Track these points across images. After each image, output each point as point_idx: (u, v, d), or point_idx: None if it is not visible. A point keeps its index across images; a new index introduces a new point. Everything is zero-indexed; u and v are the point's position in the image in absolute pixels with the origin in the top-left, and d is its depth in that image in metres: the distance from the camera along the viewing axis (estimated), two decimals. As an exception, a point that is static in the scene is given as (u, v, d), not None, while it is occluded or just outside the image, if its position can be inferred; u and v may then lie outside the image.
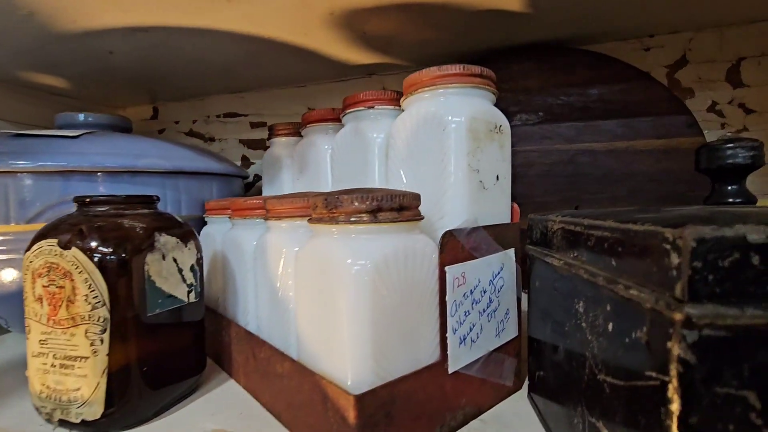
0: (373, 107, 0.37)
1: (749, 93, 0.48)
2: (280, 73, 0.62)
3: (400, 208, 0.25)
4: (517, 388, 0.34)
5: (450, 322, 0.28)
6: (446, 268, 0.27)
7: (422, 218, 0.27)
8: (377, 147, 0.36)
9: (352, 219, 0.24)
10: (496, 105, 0.33)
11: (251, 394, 0.35)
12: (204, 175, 0.47)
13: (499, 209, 0.33)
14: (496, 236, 0.31)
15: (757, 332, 0.13)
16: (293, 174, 0.46)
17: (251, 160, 0.70)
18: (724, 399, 0.13)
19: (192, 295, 0.34)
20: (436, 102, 0.31)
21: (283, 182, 0.49)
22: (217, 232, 0.42)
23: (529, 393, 0.33)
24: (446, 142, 0.29)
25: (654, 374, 0.15)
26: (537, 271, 0.30)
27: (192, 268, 0.34)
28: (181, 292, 0.33)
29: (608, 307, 0.19)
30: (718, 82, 0.49)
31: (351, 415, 0.23)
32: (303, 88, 0.66)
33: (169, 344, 0.33)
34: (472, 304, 0.30)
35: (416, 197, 0.27)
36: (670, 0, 0.42)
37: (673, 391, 0.14)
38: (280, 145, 0.50)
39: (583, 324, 0.22)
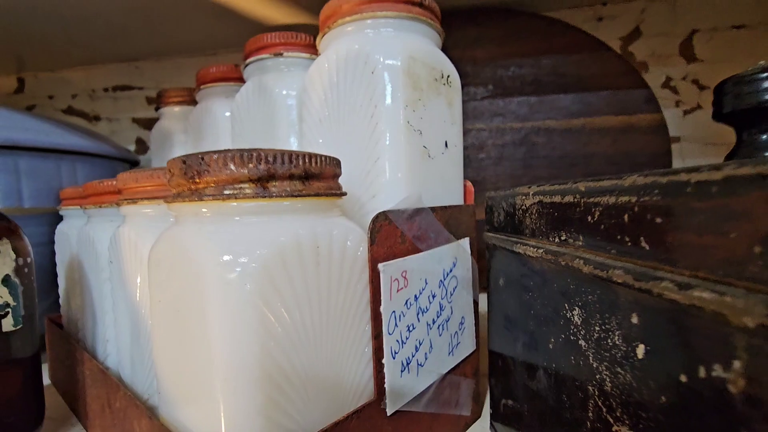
0: (281, 54, 0.27)
1: (702, 68, 0.45)
2: (185, 35, 0.50)
3: (305, 175, 0.16)
4: (476, 416, 0.27)
5: (387, 343, 0.19)
6: (380, 266, 0.19)
7: (344, 194, 0.19)
8: (287, 107, 0.27)
9: (227, 191, 0.15)
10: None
11: (109, 458, 0.24)
12: (62, 154, 0.35)
13: (450, 186, 0.25)
14: (446, 221, 0.24)
15: None
16: (188, 151, 0.36)
17: (148, 144, 0.57)
18: None
19: (8, 321, 0.23)
20: (363, 37, 0.22)
21: (174, 163, 0.38)
22: (73, 230, 0.31)
23: (491, 424, 0.25)
24: (377, 90, 0.21)
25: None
26: (501, 265, 0.22)
27: (7, 282, 0.23)
28: (-18, 318, 0.22)
29: (635, 319, 0.11)
30: (672, 57, 0.45)
31: None
32: (213, 56, 0.55)
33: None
34: (418, 314, 0.21)
35: (333, 162, 0.18)
36: None
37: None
38: (172, 116, 0.39)
39: (582, 342, 0.14)
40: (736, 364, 0.08)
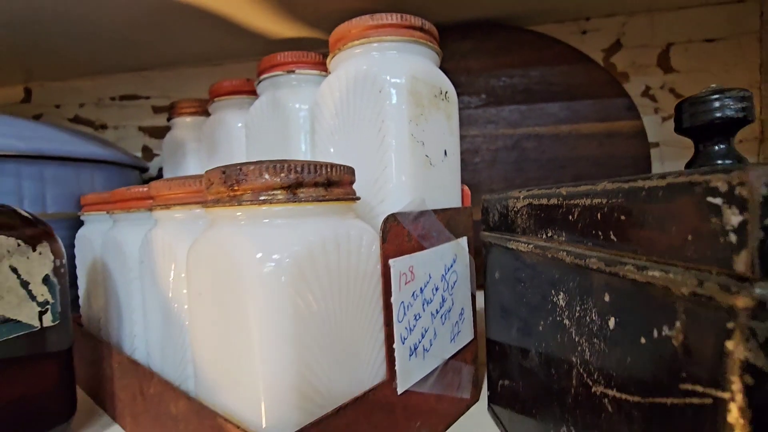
0: (293, 72, 0.30)
1: (679, 78, 0.48)
2: (192, 46, 0.53)
3: (327, 183, 0.19)
4: (475, 399, 0.29)
5: (397, 329, 0.22)
6: (390, 262, 0.21)
7: (358, 198, 0.21)
8: (300, 120, 0.29)
9: (262, 197, 0.18)
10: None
11: (140, 443, 0.26)
12: (81, 163, 0.37)
13: (449, 191, 0.28)
14: (447, 222, 0.26)
15: None
16: (201, 159, 0.38)
17: (155, 152, 0.59)
18: None
19: (48, 317, 0.25)
20: (370, 59, 0.25)
21: (188, 170, 0.40)
22: (96, 234, 0.33)
23: (489, 405, 0.28)
24: (384, 106, 0.24)
25: (700, 389, 0.10)
26: (496, 260, 0.25)
27: (47, 281, 0.25)
28: (27, 314, 0.24)
29: (607, 297, 0.14)
30: (650, 67, 0.49)
31: (265, 471, 0.16)
32: (219, 66, 0.58)
33: (14, 386, 0.24)
34: (423, 304, 0.24)
35: (349, 170, 0.21)
36: None
37: (737, 412, 0.09)
38: (184, 126, 0.41)
39: (566, 321, 0.17)
40: (678, 324, 0.11)
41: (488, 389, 0.28)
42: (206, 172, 0.20)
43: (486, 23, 0.48)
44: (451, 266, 0.27)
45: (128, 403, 0.27)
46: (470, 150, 0.48)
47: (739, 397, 0.09)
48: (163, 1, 0.40)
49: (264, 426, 0.17)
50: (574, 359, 0.16)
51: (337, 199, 0.19)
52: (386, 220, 0.21)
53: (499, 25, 0.48)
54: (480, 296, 0.29)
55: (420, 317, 0.24)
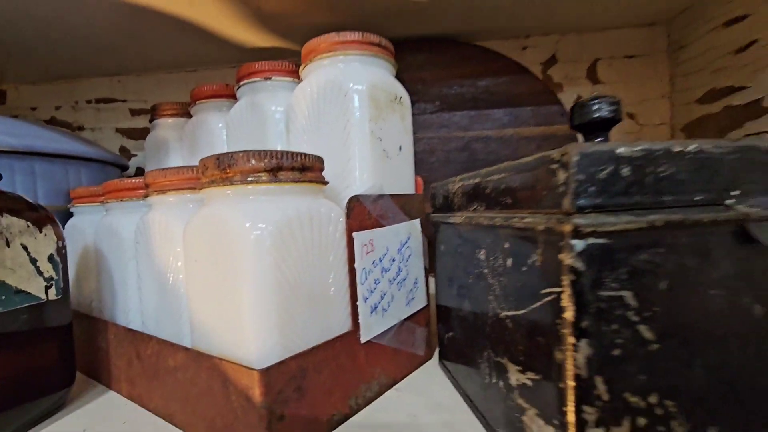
0: (270, 78, 0.35)
1: (604, 89, 0.56)
2: (167, 53, 0.56)
3: (302, 167, 0.24)
4: (428, 357, 0.35)
5: (360, 290, 0.27)
6: (354, 234, 0.27)
7: (327, 183, 0.26)
8: (276, 120, 0.34)
9: (250, 179, 0.22)
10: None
11: (137, 402, 0.30)
12: (69, 160, 0.40)
13: (404, 180, 0.33)
14: (402, 206, 0.32)
15: (630, 237, 0.15)
16: (183, 157, 0.42)
17: (132, 152, 0.62)
18: (608, 301, 0.15)
19: (52, 291, 0.28)
20: (336, 69, 0.30)
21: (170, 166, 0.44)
22: (86, 224, 0.36)
23: (440, 360, 0.33)
24: (348, 108, 0.29)
25: (549, 290, 0.16)
26: (442, 236, 0.30)
27: (51, 259, 0.28)
28: (36, 287, 0.27)
29: (507, 245, 0.20)
30: (581, 79, 0.56)
31: (256, 392, 0.21)
32: (194, 72, 0.61)
33: (24, 352, 0.27)
34: (382, 272, 0.29)
35: (320, 159, 0.26)
36: (540, 7, 0.48)
37: (567, 300, 0.15)
38: (166, 126, 0.45)
39: (485, 270, 0.23)
40: (539, 251, 0.17)
41: (439, 347, 0.33)
42: (201, 159, 0.24)
43: (439, 39, 0.54)
44: (406, 242, 0.32)
45: (124, 368, 0.31)
46: (426, 150, 0.53)
47: (566, 288, 0.15)
48: (140, 9, 0.44)
49: (253, 359, 0.22)
50: (489, 297, 0.22)
51: (310, 181, 0.24)
52: (350, 200, 0.26)
53: (450, 40, 0.55)
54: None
55: (379, 282, 0.29)
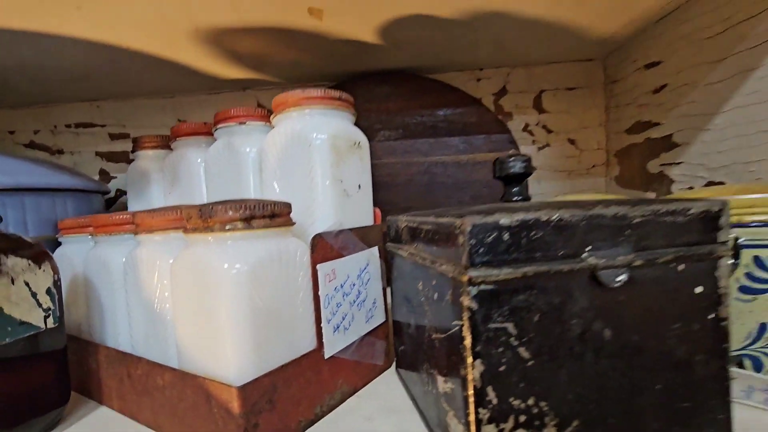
0: (244, 123, 0.39)
1: (549, 117, 0.63)
2: (145, 83, 0.59)
3: (272, 215, 0.29)
4: (387, 366, 0.40)
5: (324, 313, 0.32)
6: (318, 266, 0.31)
7: (293, 224, 0.31)
8: (250, 161, 0.38)
9: (227, 227, 0.27)
10: (357, 124, 0.38)
11: (128, 416, 0.34)
12: (55, 192, 0.43)
13: (363, 213, 0.38)
14: (361, 237, 0.37)
15: (510, 283, 0.20)
16: (164, 188, 0.46)
17: (111, 174, 0.65)
18: (495, 332, 0.20)
19: (50, 320, 0.32)
20: (302, 121, 0.35)
21: (151, 197, 0.47)
22: (75, 253, 0.40)
23: (396, 368, 0.38)
24: (312, 156, 0.34)
25: (456, 322, 0.21)
26: (395, 263, 0.36)
27: (49, 291, 0.32)
28: (36, 318, 0.31)
29: (434, 282, 0.25)
30: (528, 108, 0.63)
31: (235, 405, 0.25)
32: (172, 99, 0.64)
33: (25, 375, 0.31)
34: (343, 296, 0.34)
35: (287, 205, 0.30)
36: (491, 44, 0.53)
37: (466, 330, 0.20)
38: (147, 158, 0.48)
39: (423, 298, 0.28)
40: (450, 291, 0.22)
41: (395, 357, 0.38)
42: (184, 208, 0.28)
43: (400, 72, 0.60)
44: (365, 268, 0.37)
45: (116, 386, 0.35)
46: (391, 174, 0.59)
47: (466, 322, 0.20)
48: (118, 49, 0.47)
49: (232, 378, 0.26)
50: (425, 320, 0.27)
51: (279, 225, 0.29)
52: (314, 237, 0.31)
53: (411, 74, 0.60)
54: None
55: (341, 305, 0.34)
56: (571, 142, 0.63)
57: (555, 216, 0.20)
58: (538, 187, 0.63)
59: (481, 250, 0.20)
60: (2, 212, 0.39)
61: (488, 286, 0.20)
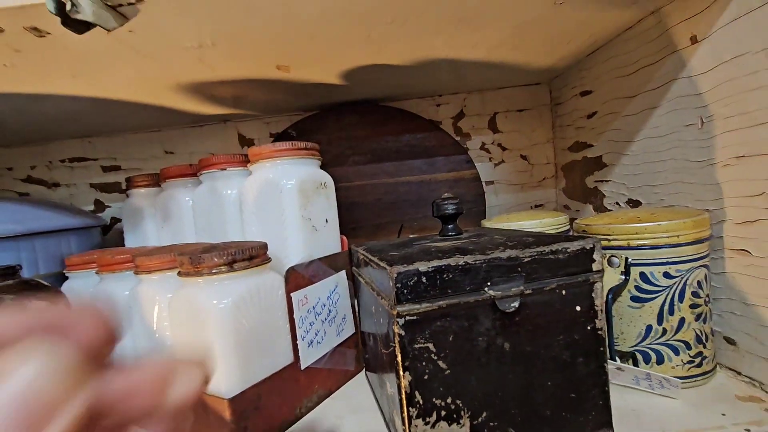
0: (225, 169, 0.45)
1: (503, 137, 0.70)
2: (132, 121, 0.64)
3: (250, 257, 0.35)
4: (358, 370, 0.47)
5: (299, 332, 0.38)
6: (292, 294, 0.38)
7: (269, 260, 0.37)
8: (231, 202, 0.44)
9: (214, 271, 0.33)
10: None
11: (137, 425, 0.40)
12: (61, 232, 0.49)
13: (331, 243, 0.45)
14: (330, 263, 0.43)
15: (429, 314, 0.27)
16: (157, 223, 0.52)
17: (106, 204, 0.70)
18: (419, 350, 0.27)
19: (68, 349, 0.38)
20: (274, 170, 0.41)
21: (146, 231, 0.53)
22: (82, 287, 0.46)
23: (365, 372, 0.45)
24: (283, 201, 0.40)
25: (392, 343, 0.28)
26: (358, 284, 0.42)
27: (65, 326, 0.38)
28: (57, 349, 0.37)
29: (380, 309, 0.32)
30: (484, 129, 0.70)
31: (227, 413, 0.32)
32: (159, 132, 0.70)
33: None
34: (315, 315, 0.41)
35: (263, 246, 0.37)
36: (449, 72, 0.59)
37: (398, 350, 0.27)
38: (140, 195, 0.54)
39: (375, 318, 0.34)
40: (387, 320, 0.29)
41: (364, 363, 0.45)
42: (178, 256, 0.35)
43: (367, 102, 0.66)
44: (335, 290, 0.44)
45: (125, 401, 0.41)
46: (361, 194, 0.65)
47: (397, 344, 0.27)
48: (104, 101, 0.52)
49: (223, 391, 0.33)
50: (377, 336, 0.34)
51: (257, 265, 0.35)
52: (287, 271, 0.38)
53: (376, 104, 0.66)
54: (357, 305, 0.46)
55: (314, 324, 0.40)
56: (524, 157, 0.70)
57: (461, 261, 0.27)
58: (495, 199, 0.70)
59: (405, 291, 0.27)
60: (17, 255, 0.45)
61: (412, 317, 0.27)
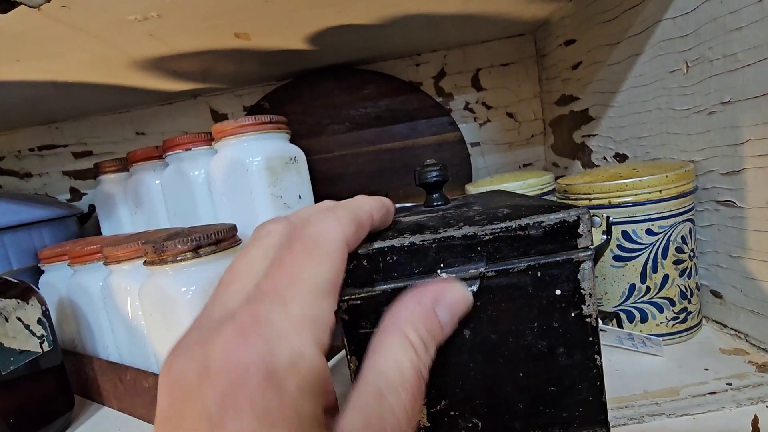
0: (190, 149, 0.43)
1: (487, 94, 0.67)
2: (98, 103, 0.62)
3: (217, 241, 0.34)
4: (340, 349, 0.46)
5: (277, 313, 0.38)
6: (266, 275, 0.37)
7: (240, 242, 0.36)
8: (200, 183, 0.43)
9: (179, 258, 0.32)
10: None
11: (126, 413, 0.40)
12: (33, 225, 0.48)
13: (306, 219, 0.43)
14: (306, 241, 0.42)
15: (372, 299, 0.25)
16: (130, 208, 0.50)
17: (82, 191, 0.68)
18: (365, 335, 0.26)
19: (45, 344, 0.38)
20: (239, 147, 0.39)
21: (120, 217, 0.52)
22: (58, 279, 0.45)
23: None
24: (250, 179, 0.38)
25: (339, 328, 0.27)
26: (337, 261, 0.41)
27: (39, 321, 0.38)
28: (33, 345, 0.37)
29: (353, 286, 0.31)
30: (467, 88, 0.66)
31: (205, 399, 0.32)
32: (128, 113, 0.67)
33: (32, 392, 0.37)
34: (294, 295, 0.40)
35: (231, 228, 0.35)
36: (425, 28, 0.56)
37: (344, 335, 0.26)
38: (110, 182, 0.52)
39: (351, 296, 0.33)
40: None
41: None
42: (143, 245, 0.33)
43: (342, 66, 0.62)
44: (314, 267, 0.43)
45: (111, 390, 0.41)
46: (342, 165, 0.63)
47: (342, 330, 0.26)
48: (64, 85, 0.50)
49: (201, 377, 0.32)
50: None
51: (224, 249, 0.34)
52: (259, 252, 0.36)
53: (352, 68, 0.63)
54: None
55: (293, 303, 0.40)
56: (510, 115, 0.67)
57: (407, 242, 0.25)
58: (482, 161, 0.68)
59: (345, 275, 0.25)
60: (-15, 252, 0.44)
61: (355, 302, 0.25)
